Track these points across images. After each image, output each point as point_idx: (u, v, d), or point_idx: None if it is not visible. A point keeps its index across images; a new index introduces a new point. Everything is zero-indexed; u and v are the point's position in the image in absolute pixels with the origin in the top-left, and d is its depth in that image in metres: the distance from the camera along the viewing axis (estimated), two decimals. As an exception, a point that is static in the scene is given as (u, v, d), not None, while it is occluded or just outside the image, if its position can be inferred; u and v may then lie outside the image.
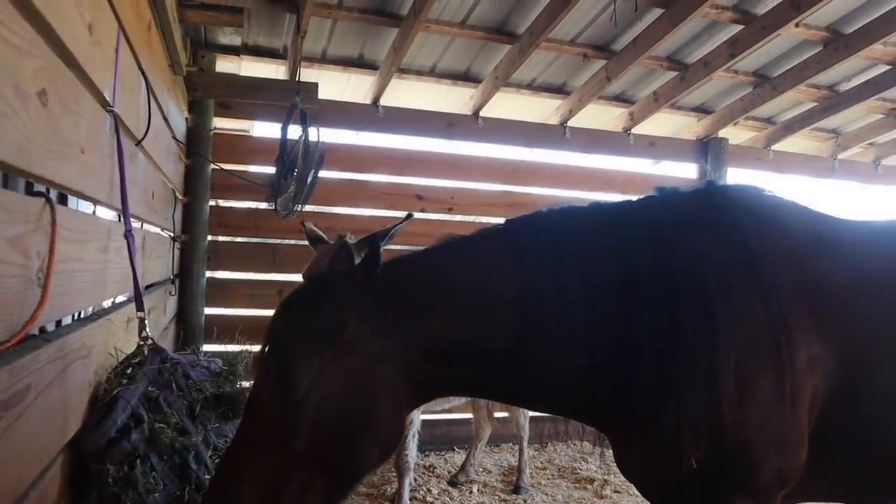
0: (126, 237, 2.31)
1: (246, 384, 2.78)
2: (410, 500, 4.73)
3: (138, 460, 1.98)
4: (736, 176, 6.92)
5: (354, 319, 1.79)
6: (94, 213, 2.62)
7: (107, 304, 2.73)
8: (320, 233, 4.16)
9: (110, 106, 2.20)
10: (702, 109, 6.74)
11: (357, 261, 3.50)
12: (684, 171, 7.07)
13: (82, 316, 2.42)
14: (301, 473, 1.72)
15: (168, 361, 2.35)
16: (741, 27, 5.07)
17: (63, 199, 2.73)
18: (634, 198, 2.17)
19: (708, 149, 6.80)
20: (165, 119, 3.73)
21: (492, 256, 1.98)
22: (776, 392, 1.82)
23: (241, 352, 2.94)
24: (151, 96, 2.98)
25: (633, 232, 1.98)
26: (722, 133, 6.80)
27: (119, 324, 2.43)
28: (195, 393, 2.42)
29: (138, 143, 2.77)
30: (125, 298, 2.83)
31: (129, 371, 2.23)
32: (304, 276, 3.77)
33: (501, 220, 2.14)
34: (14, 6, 1.31)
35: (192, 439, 2.20)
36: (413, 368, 1.84)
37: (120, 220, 2.50)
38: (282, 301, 1.93)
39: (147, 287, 3.62)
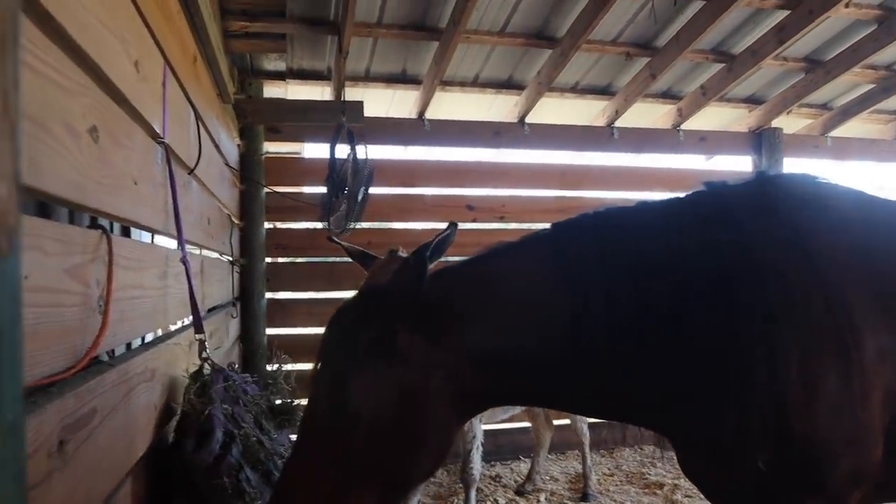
0: (182, 262, 2.39)
1: (291, 399, 2.89)
2: (477, 510, 4.74)
3: (239, 473, 2.09)
4: (793, 166, 6.72)
5: (405, 331, 1.81)
6: (152, 241, 2.72)
7: (176, 326, 2.84)
8: (358, 248, 4.20)
9: (161, 138, 2.29)
10: (753, 100, 6.58)
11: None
12: (738, 165, 6.91)
13: (149, 340, 2.52)
14: (357, 483, 1.75)
15: (230, 380, 2.43)
16: (788, 12, 4.95)
17: (127, 232, 2.85)
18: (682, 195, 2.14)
19: (762, 140, 6.63)
20: (217, 147, 3.85)
21: (538, 261, 1.97)
22: (844, 388, 1.75)
23: (278, 367, 3.06)
24: (201, 126, 3.09)
25: (681, 230, 1.95)
26: (775, 123, 6.61)
27: (182, 347, 2.52)
28: (255, 407, 2.50)
29: (191, 171, 2.87)
30: (189, 322, 2.93)
31: (201, 390, 2.31)
32: None
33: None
34: (62, 49, 1.38)
35: (268, 450, 2.30)
36: (463, 379, 1.85)
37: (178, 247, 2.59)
38: (332, 315, 1.96)
39: (209, 310, 3.73)
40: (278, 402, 2.80)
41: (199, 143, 3.00)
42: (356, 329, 1.86)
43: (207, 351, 2.40)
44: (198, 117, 3.00)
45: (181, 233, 2.37)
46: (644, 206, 2.09)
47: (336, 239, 4.34)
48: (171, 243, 2.82)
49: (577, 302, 1.85)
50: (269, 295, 5.53)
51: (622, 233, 1.97)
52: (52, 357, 1.33)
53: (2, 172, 0.49)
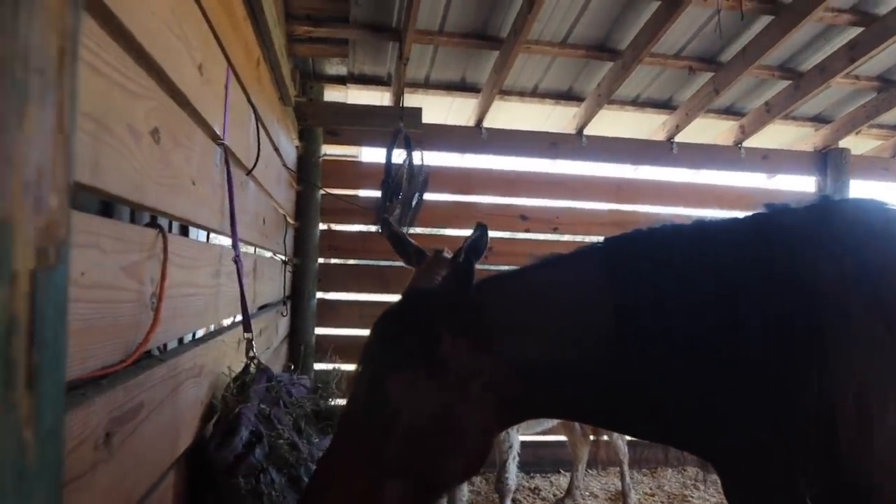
0: (235, 261, 2.44)
1: (340, 401, 2.90)
2: (515, 522, 4.71)
3: (261, 474, 2.11)
4: (860, 188, 6.50)
5: (448, 336, 1.82)
6: (207, 240, 2.78)
7: (226, 323, 2.90)
8: (412, 242, 4.14)
9: (220, 139, 2.35)
10: (819, 119, 6.38)
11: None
12: (801, 185, 6.71)
13: (199, 336, 2.57)
14: (390, 483, 1.77)
15: (273, 380, 2.47)
16: (861, 29, 4.80)
17: (185, 231, 2.91)
18: (742, 214, 2.08)
19: (827, 160, 6.42)
20: (276, 149, 3.92)
21: (589, 275, 1.95)
22: None
23: (333, 369, 3.08)
24: (261, 127, 3.15)
25: (738, 253, 1.89)
26: (843, 143, 6.40)
27: (230, 344, 2.57)
28: (297, 409, 2.53)
29: (248, 172, 2.93)
30: (238, 319, 2.99)
31: (241, 389, 2.35)
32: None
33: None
34: (129, 54, 1.43)
35: (303, 454, 2.32)
36: (504, 387, 1.84)
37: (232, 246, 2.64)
38: (378, 317, 1.98)
39: (260, 308, 3.80)
40: (330, 403, 2.82)
41: (258, 144, 3.06)
42: (400, 331, 1.88)
43: (255, 350, 2.44)
44: (258, 119, 3.06)
45: (235, 233, 2.42)
46: (701, 225, 2.04)
47: (391, 220, 4.28)
48: (226, 241, 2.89)
49: (627, 316, 1.82)
50: (319, 295, 5.60)
51: (677, 249, 1.93)
52: (105, 351, 1.37)
53: (55, 185, 0.50)
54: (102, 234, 1.32)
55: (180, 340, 2.57)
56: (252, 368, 2.43)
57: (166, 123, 1.69)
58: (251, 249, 3.55)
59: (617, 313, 1.82)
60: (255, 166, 2.99)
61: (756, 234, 1.93)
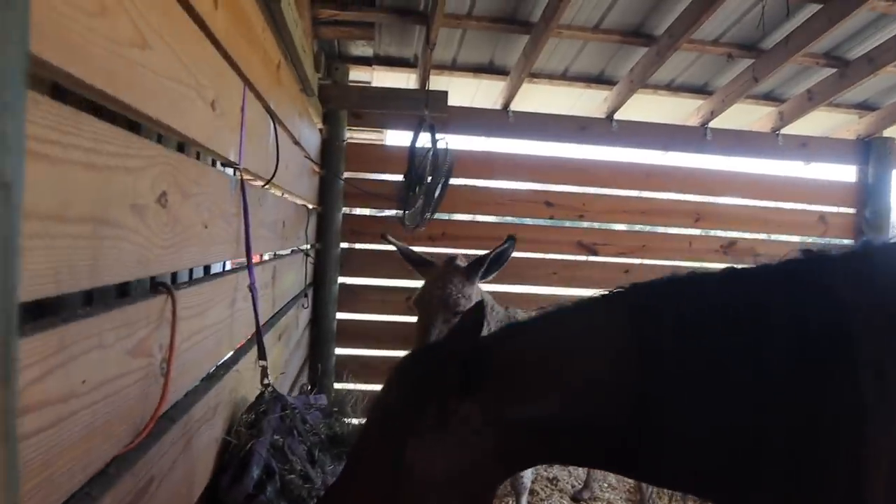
0: (250, 289, 2.39)
1: (355, 421, 2.88)
2: (532, 516, 4.72)
3: None
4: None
5: (463, 402, 1.78)
6: (223, 268, 2.72)
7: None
8: (414, 252, 4.16)
9: (236, 164, 2.27)
10: (865, 106, 6.11)
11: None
12: (841, 174, 6.48)
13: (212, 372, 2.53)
14: None
15: (288, 408, 2.43)
16: (915, 19, 4.56)
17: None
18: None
19: (870, 149, 6.16)
20: (297, 142, 3.83)
21: (611, 336, 1.88)
22: None
23: (349, 392, 3.07)
24: (280, 133, 3.06)
25: (772, 315, 1.80)
26: (888, 132, 6.15)
27: (246, 371, 2.52)
28: (312, 437, 2.51)
29: (267, 182, 2.86)
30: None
31: (255, 420, 2.32)
32: (413, 303, 3.76)
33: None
34: (130, 128, 1.35)
35: (315, 486, 2.30)
36: (516, 447, 1.81)
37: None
38: (389, 373, 1.95)
39: (280, 309, 3.76)
40: (346, 425, 2.80)
41: (277, 153, 2.98)
42: (410, 392, 1.85)
43: (269, 378, 2.41)
44: (277, 126, 2.97)
45: (251, 261, 2.36)
46: (731, 280, 1.94)
47: (391, 238, 4.28)
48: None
49: (651, 399, 1.75)
50: (340, 280, 5.56)
51: (707, 312, 1.84)
52: (110, 444, 1.32)
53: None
54: (103, 330, 1.26)
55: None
56: (266, 395, 2.40)
57: (175, 180, 1.62)
58: (270, 254, 3.50)
59: (644, 389, 1.76)
60: (273, 176, 2.91)
61: (790, 291, 1.83)
